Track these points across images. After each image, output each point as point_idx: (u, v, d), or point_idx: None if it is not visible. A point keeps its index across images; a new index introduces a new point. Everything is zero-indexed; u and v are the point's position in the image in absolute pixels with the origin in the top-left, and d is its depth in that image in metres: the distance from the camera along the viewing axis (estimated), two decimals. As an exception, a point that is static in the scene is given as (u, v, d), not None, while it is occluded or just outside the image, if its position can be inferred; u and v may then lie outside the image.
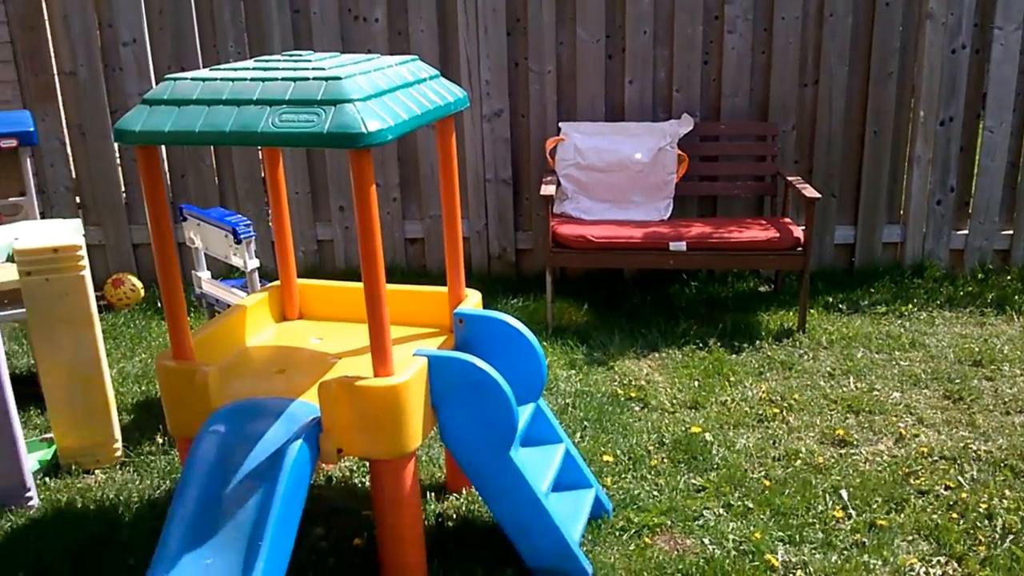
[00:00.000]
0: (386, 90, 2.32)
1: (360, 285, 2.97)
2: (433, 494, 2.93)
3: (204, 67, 4.69)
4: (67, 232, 3.14)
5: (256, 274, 3.36)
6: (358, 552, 2.66)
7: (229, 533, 2.20)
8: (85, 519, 2.87)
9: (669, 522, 2.79)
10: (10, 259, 3.10)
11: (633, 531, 2.75)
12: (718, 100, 4.81)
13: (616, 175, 4.62)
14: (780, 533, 2.74)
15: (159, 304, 4.68)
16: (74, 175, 5.02)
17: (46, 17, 4.80)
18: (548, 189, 4.35)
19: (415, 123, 2.33)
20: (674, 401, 3.58)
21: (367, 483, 3.05)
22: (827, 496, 2.92)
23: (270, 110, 2.20)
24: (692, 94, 4.78)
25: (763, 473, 3.07)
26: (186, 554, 2.19)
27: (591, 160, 4.62)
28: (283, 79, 2.26)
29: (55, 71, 4.87)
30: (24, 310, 3.12)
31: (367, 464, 3.10)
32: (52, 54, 4.85)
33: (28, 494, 2.96)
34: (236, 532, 2.20)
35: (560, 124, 4.74)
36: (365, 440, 2.36)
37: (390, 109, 2.25)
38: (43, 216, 4.54)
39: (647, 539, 2.72)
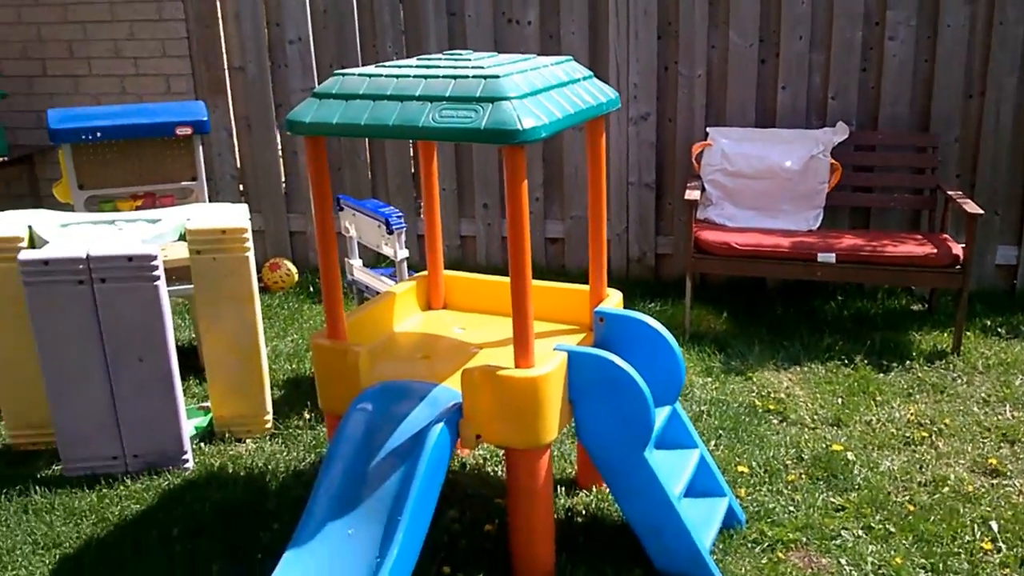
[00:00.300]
0: (541, 89, 2.37)
1: (503, 279, 3.06)
2: (563, 489, 2.96)
3: (363, 66, 4.89)
4: (235, 215, 3.35)
5: (405, 264, 3.49)
6: (489, 538, 2.72)
7: (371, 506, 2.30)
8: (235, 484, 3.06)
9: (804, 539, 2.72)
10: (182, 238, 3.33)
11: (766, 544, 2.69)
12: (876, 108, 4.63)
13: (764, 182, 4.52)
14: (923, 560, 2.62)
15: (311, 289, 4.92)
16: (239, 164, 5.34)
17: (220, 16, 5.13)
18: (693, 194, 4.30)
19: (568, 122, 2.37)
20: (815, 417, 3.48)
21: (500, 472, 3.11)
22: (975, 526, 2.77)
23: (431, 106, 2.29)
24: (848, 101, 4.62)
25: (907, 498, 2.94)
26: (330, 523, 2.31)
27: (739, 166, 4.54)
28: (444, 76, 2.35)
29: (226, 66, 5.20)
30: (191, 286, 3.36)
31: (501, 454, 3.17)
32: (224, 50, 5.17)
33: (185, 457, 3.18)
34: (378, 506, 2.30)
35: (708, 129, 4.68)
36: (503, 429, 2.41)
37: (545, 107, 2.30)
38: (210, 202, 4.85)
39: (780, 554, 2.65)
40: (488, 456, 3.20)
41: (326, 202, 2.58)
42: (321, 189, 2.57)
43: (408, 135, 2.33)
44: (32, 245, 3.22)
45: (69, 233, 3.22)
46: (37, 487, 3.05)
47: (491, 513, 2.84)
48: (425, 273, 3.14)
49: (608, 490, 2.89)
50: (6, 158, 5.33)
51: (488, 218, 5.10)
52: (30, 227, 3.26)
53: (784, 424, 3.43)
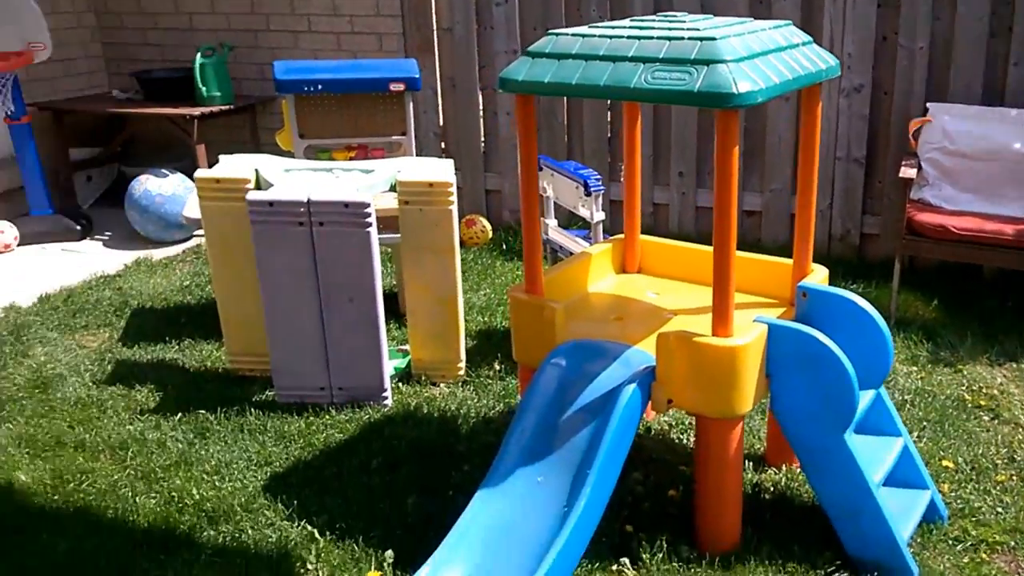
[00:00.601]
0: (759, 53, 2.30)
1: (701, 247, 3.02)
2: (750, 464, 2.91)
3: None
4: (442, 170, 3.47)
5: (600, 226, 3.50)
6: (673, 503, 2.73)
7: (561, 457, 2.36)
8: (429, 423, 3.21)
9: (1013, 543, 2.54)
10: (392, 188, 3.49)
11: (969, 544, 2.54)
12: (1125, 90, 4.18)
13: (988, 164, 4.18)
14: None
15: (504, 247, 5.04)
16: (441, 123, 5.52)
17: (432, -24, 5.29)
18: (908, 172, 4.05)
19: (784, 88, 2.30)
20: (1031, 417, 3.23)
21: (685, 440, 3.10)
22: None
23: (644, 67, 2.28)
24: (1093, 81, 4.19)
25: None
26: (520, 469, 2.39)
27: (960, 145, 4.23)
28: (658, 38, 2.33)
29: (435, 26, 5.36)
30: (396, 235, 3.53)
31: (686, 421, 3.16)
32: (434, 10, 5.33)
33: (384, 394, 3.37)
34: (568, 457, 2.35)
35: (928, 104, 4.38)
36: (697, 396, 2.39)
37: (761, 72, 2.24)
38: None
39: (984, 555, 2.50)
40: (674, 423, 3.19)
41: (532, 160, 2.63)
42: (528, 147, 2.62)
43: (619, 96, 2.33)
44: (258, 187, 3.48)
45: (291, 178, 3.45)
46: (252, 409, 3.32)
47: (675, 479, 2.84)
48: (621, 236, 3.15)
49: (799, 470, 2.82)
50: (231, 106, 5.76)
51: (683, 187, 5.02)
52: (257, 170, 3.52)
53: (996, 422, 3.20)
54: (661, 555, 2.48)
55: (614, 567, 2.46)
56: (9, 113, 5.34)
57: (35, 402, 3.47)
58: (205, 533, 2.66)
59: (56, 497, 2.87)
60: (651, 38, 2.34)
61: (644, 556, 2.48)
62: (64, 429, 3.27)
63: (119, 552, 2.59)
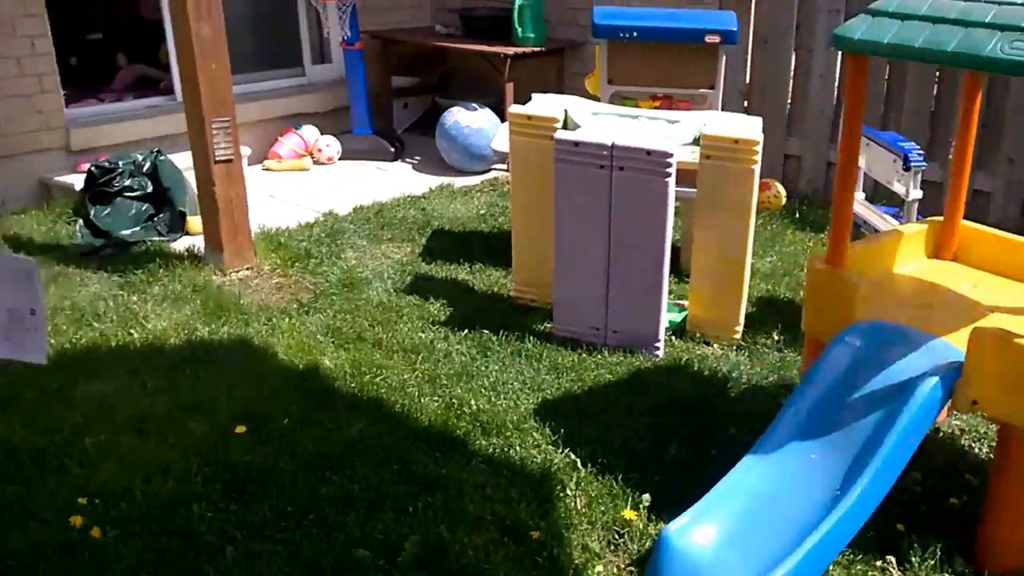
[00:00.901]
0: None
1: (1034, 242, 2.73)
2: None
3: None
4: (749, 127, 3.38)
5: (915, 205, 3.26)
6: (951, 511, 2.53)
7: (840, 439, 2.26)
8: (698, 380, 3.20)
9: None
10: (695, 142, 3.45)
11: None
12: None
13: None
14: None
15: (797, 215, 4.84)
16: (748, 80, 5.34)
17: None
18: None
19: None
20: None
21: (975, 448, 2.85)
22: None
23: (1001, 35, 2.07)
24: None
25: None
26: (795, 441, 2.32)
27: None
28: (1022, 4, 2.09)
29: (753, -20, 5.17)
30: (693, 190, 3.49)
31: (981, 430, 2.90)
32: (756, -36, 5.14)
33: (657, 344, 3.39)
34: (849, 440, 2.24)
35: None
36: (1010, 403, 2.19)
37: None
38: (714, 113, 4.93)
39: None
40: (966, 428, 2.94)
41: (857, 124, 2.50)
42: (856, 112, 2.48)
43: (967, 63, 2.15)
44: (566, 127, 3.58)
45: (598, 121, 3.52)
46: (530, 337, 3.48)
47: (959, 488, 2.63)
48: (939, 218, 2.91)
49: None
50: (542, 48, 5.93)
51: (1013, 174, 4.51)
52: (566, 111, 3.62)
53: None
54: (932, 562, 2.32)
55: (878, 563, 2.34)
56: (346, 38, 5.88)
57: (342, 299, 3.86)
58: (478, 442, 2.85)
59: (353, 385, 3.20)
60: (1014, 3, 2.12)
61: (913, 559, 2.34)
62: (365, 327, 3.62)
63: (401, 443, 2.84)
